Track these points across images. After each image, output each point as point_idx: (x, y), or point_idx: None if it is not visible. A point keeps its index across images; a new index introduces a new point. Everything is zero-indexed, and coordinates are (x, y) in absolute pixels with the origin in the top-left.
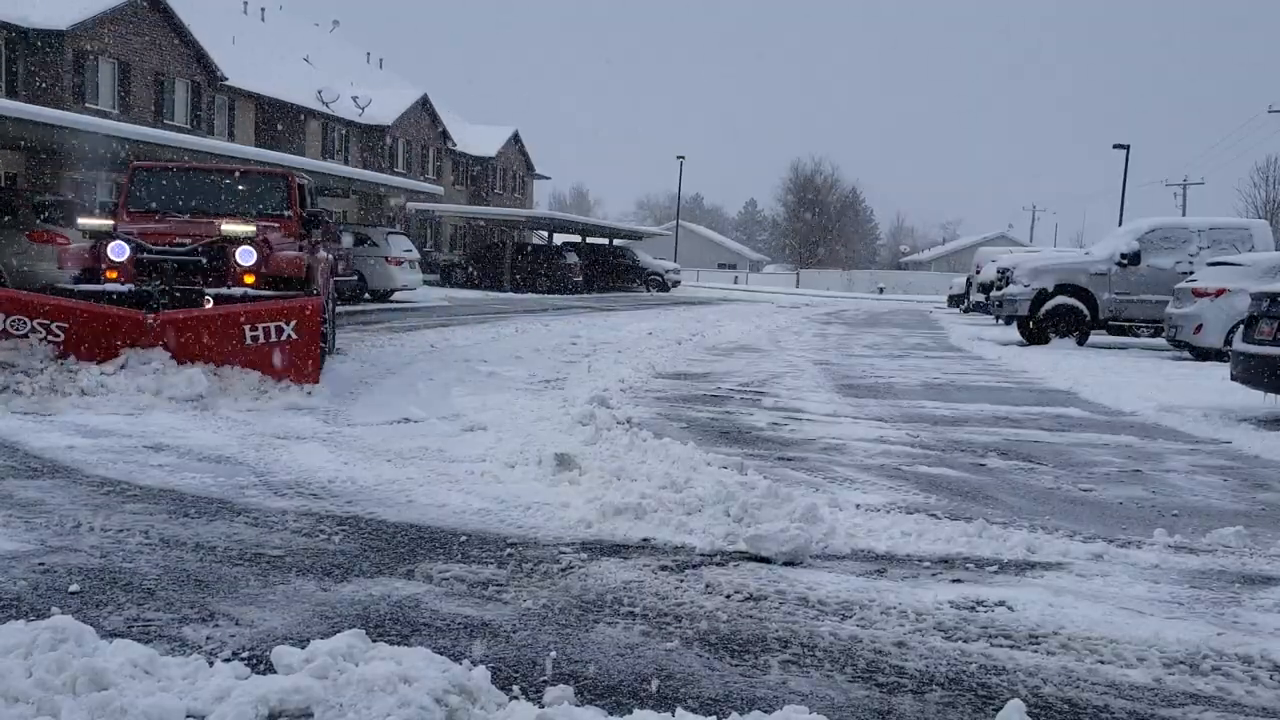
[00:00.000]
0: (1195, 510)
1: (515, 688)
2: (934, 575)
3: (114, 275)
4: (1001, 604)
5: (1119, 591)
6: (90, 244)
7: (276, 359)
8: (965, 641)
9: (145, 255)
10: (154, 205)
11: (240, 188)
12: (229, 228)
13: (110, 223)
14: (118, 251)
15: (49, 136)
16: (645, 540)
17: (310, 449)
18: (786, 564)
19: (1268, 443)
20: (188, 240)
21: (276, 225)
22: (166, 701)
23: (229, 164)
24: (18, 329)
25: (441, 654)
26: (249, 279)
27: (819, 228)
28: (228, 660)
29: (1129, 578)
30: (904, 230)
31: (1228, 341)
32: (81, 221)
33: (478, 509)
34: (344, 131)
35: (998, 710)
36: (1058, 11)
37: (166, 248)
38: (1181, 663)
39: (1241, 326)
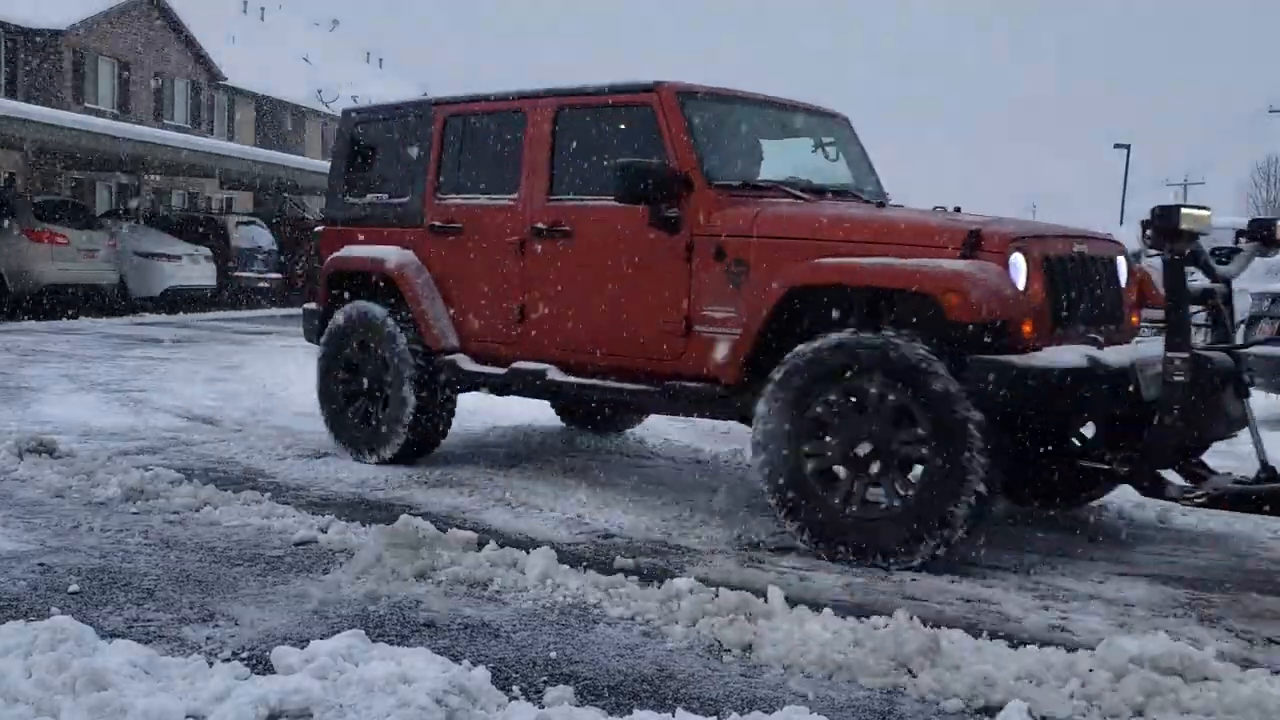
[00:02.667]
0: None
1: (515, 688)
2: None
3: None
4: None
5: None
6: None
7: None
8: None
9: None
10: (736, 174)
11: (823, 144)
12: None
13: None
14: None
15: (49, 136)
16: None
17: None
18: None
19: (1268, 443)
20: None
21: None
22: (166, 702)
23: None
24: None
25: (441, 654)
26: (1135, 319)
27: None
28: (228, 660)
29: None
30: None
31: None
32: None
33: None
34: None
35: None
36: (1058, 10)
37: None
38: None
39: (1242, 326)
